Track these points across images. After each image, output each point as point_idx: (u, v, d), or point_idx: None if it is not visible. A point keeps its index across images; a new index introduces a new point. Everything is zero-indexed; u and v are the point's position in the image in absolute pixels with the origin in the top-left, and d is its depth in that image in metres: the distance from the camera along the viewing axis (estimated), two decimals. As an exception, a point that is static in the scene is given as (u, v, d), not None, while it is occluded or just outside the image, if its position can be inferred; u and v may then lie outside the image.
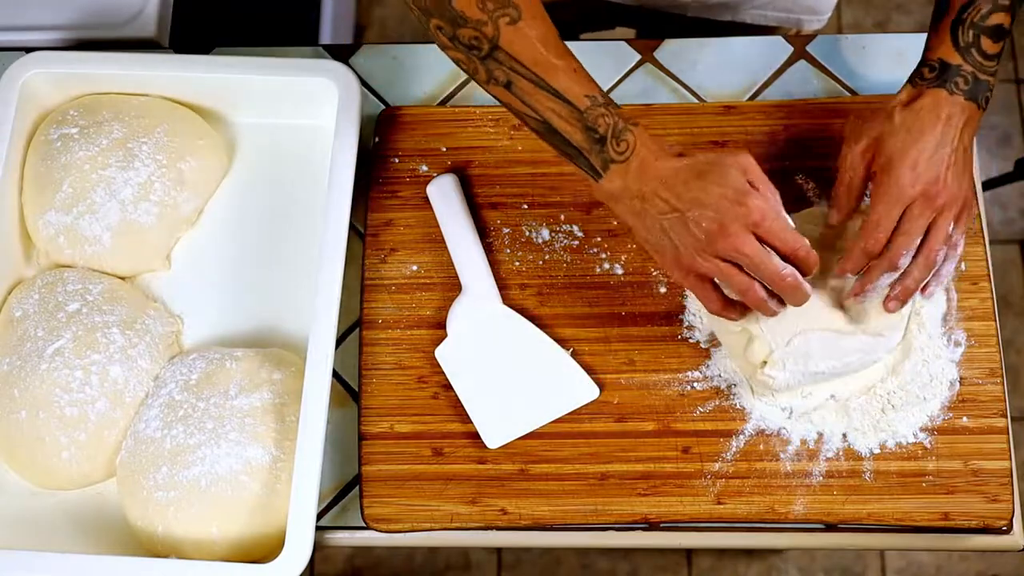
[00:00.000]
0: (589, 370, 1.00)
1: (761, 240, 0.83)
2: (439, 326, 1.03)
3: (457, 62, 0.87)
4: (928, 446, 0.96)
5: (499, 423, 0.99)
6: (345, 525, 1.01)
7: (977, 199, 1.03)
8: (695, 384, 0.99)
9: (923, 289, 0.91)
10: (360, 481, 0.99)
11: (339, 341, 1.05)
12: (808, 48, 1.14)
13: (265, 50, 1.16)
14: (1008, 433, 0.97)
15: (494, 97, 0.88)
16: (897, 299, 0.90)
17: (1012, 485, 0.96)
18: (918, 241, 0.87)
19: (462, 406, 0.99)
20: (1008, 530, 0.97)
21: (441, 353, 1.01)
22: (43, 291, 1.04)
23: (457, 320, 1.02)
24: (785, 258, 0.84)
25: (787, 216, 0.84)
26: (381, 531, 0.99)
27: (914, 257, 0.88)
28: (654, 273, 1.03)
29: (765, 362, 0.93)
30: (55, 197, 1.05)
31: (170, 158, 1.07)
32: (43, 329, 1.01)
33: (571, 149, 0.85)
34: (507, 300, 1.03)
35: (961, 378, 0.98)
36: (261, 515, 0.96)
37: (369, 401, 1.01)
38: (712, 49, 1.14)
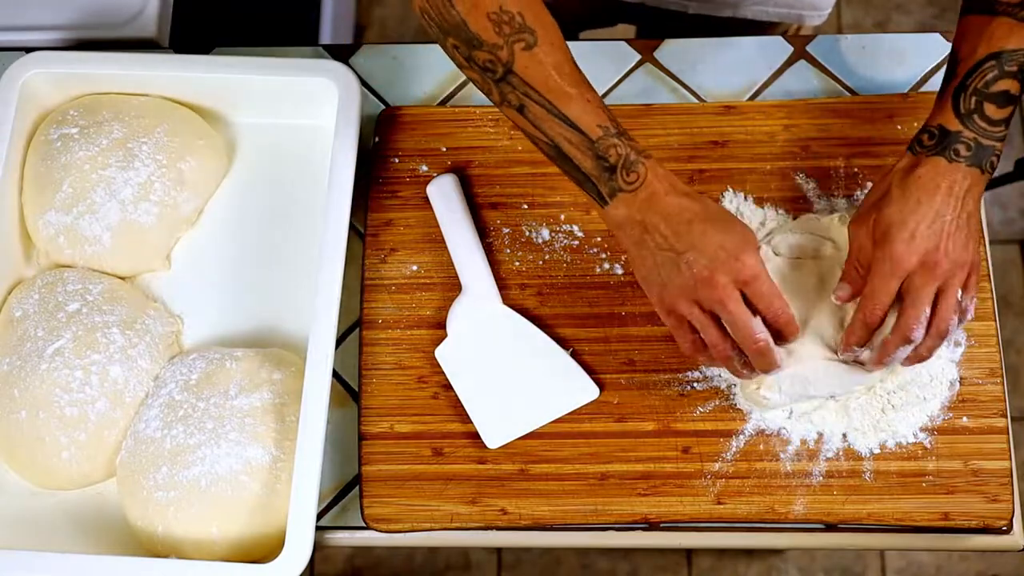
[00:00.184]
0: (589, 370, 1.00)
1: (747, 300, 0.83)
2: (439, 326, 1.03)
3: (473, 81, 0.88)
4: (928, 446, 0.96)
5: (499, 423, 0.99)
6: (345, 525, 1.01)
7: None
8: (695, 384, 0.99)
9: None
10: (360, 481, 0.99)
11: (339, 341, 1.05)
12: (808, 48, 1.14)
13: (265, 50, 1.16)
14: (1008, 433, 0.97)
15: (508, 117, 0.88)
16: (910, 361, 0.90)
17: (1012, 485, 0.96)
18: (927, 311, 0.85)
19: (462, 406, 0.99)
20: (1008, 530, 0.97)
21: (441, 353, 1.01)
22: (43, 291, 1.04)
23: (457, 320, 1.02)
24: (767, 322, 0.84)
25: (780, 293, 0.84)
26: (381, 531, 0.99)
27: (927, 331, 0.86)
28: (654, 273, 1.03)
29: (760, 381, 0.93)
30: (55, 197, 1.05)
31: (170, 158, 1.07)
32: (43, 329, 1.01)
33: (579, 174, 0.85)
34: (507, 300, 1.03)
35: (961, 378, 0.98)
36: (261, 515, 0.96)
37: (369, 401, 1.01)
38: (712, 49, 1.14)
